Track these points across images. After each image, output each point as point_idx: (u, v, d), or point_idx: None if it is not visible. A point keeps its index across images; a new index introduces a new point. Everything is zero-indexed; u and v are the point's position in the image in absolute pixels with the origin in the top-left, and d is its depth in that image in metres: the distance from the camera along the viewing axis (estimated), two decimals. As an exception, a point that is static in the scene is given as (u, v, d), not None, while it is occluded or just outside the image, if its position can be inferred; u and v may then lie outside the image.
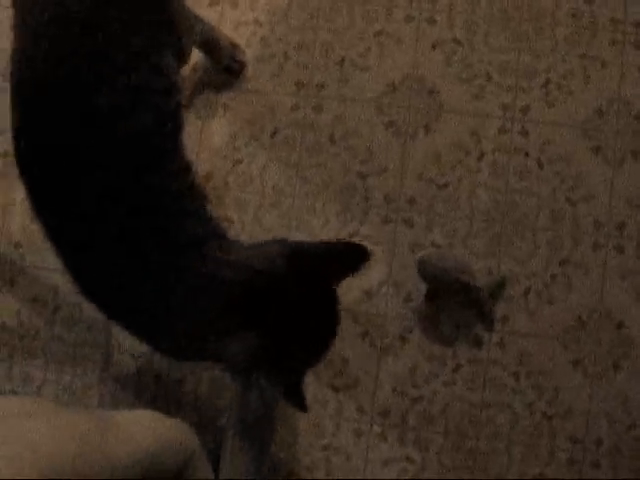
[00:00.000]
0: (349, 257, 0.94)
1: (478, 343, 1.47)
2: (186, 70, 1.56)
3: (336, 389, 1.47)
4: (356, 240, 1.49)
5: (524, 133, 1.51)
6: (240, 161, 1.54)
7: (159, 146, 0.96)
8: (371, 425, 1.46)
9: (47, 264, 1.56)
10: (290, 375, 1.00)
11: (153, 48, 0.98)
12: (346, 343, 1.48)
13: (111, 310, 1.03)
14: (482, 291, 1.42)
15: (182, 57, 1.13)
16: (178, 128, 1.02)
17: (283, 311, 0.95)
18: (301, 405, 1.02)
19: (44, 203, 0.97)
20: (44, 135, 0.92)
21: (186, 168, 1.02)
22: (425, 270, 1.42)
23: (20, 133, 0.94)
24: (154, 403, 1.50)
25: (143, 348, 1.51)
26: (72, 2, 0.91)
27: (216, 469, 1.32)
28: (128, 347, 1.52)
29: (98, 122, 0.90)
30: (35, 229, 1.57)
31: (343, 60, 1.55)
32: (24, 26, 0.93)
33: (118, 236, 0.93)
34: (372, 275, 1.49)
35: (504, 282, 1.46)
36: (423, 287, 1.46)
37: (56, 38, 0.90)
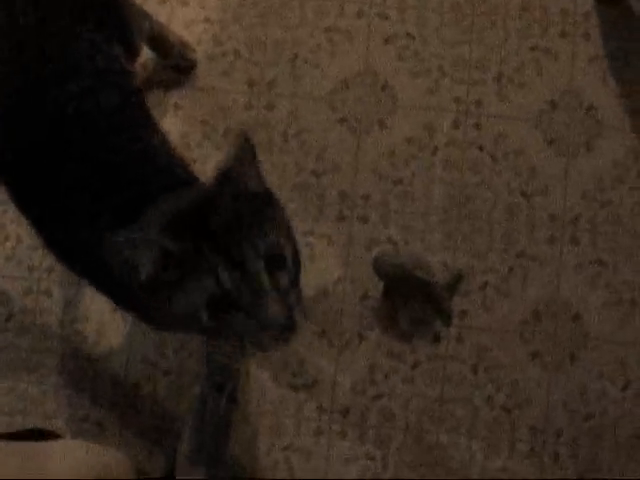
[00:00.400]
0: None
1: (436, 339, 1.47)
2: (135, 68, 1.53)
3: (295, 389, 1.46)
4: (311, 239, 1.48)
5: (478, 127, 1.51)
6: (194, 160, 1.52)
7: (129, 117, 1.02)
8: (331, 424, 1.46)
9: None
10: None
11: (105, 40, 1.04)
12: (303, 342, 1.47)
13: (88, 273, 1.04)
14: (439, 287, 1.42)
15: (132, 51, 1.17)
16: (143, 103, 1.07)
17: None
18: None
19: (24, 188, 1.01)
20: (23, 125, 0.97)
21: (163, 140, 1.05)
22: (381, 267, 1.41)
23: None
24: (112, 408, 1.48)
25: (99, 352, 1.49)
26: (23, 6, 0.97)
27: (173, 471, 1.31)
28: (84, 352, 1.50)
29: (71, 106, 0.96)
30: (-15, 235, 1.54)
31: (295, 57, 1.54)
32: None
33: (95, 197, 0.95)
34: (328, 273, 1.48)
35: (461, 277, 1.46)
36: (380, 284, 1.46)
37: (17, 43, 0.97)
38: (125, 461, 0.61)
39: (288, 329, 0.82)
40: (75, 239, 1.00)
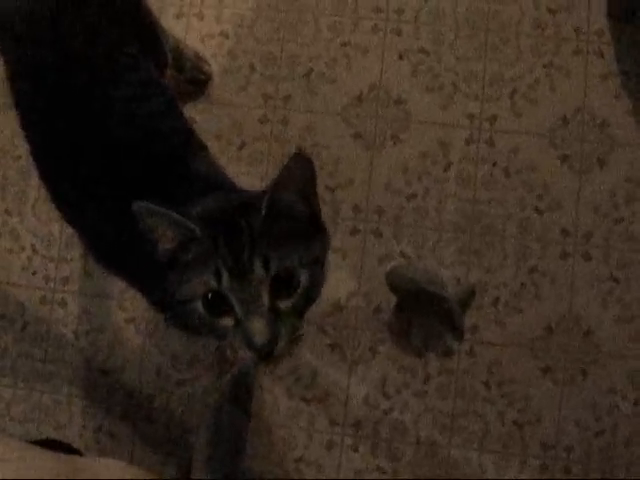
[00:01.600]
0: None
1: (448, 353, 1.47)
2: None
3: (307, 401, 1.47)
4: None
5: (491, 143, 1.51)
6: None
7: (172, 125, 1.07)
8: (343, 437, 1.46)
9: (15, 280, 1.54)
10: None
11: (143, 54, 1.10)
12: (316, 355, 1.48)
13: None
14: (451, 301, 1.43)
15: (163, 64, 1.26)
16: (181, 111, 1.13)
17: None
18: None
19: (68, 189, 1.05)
20: (67, 128, 1.01)
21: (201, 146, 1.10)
22: (394, 281, 1.42)
23: (40, 131, 1.04)
24: (124, 419, 1.49)
25: (113, 363, 1.50)
26: (69, 29, 1.02)
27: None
28: (98, 363, 1.51)
29: (118, 109, 1.01)
30: (1, 246, 1.55)
31: (310, 72, 1.55)
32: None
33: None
34: (341, 287, 1.49)
35: (473, 291, 1.47)
36: (393, 298, 1.47)
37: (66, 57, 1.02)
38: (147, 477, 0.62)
39: (263, 354, 0.82)
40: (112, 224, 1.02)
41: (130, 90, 1.04)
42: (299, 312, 0.85)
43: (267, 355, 0.81)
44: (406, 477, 1.45)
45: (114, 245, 1.05)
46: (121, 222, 0.93)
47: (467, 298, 1.46)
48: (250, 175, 1.52)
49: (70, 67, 1.01)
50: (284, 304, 0.82)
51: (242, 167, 1.53)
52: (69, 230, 1.54)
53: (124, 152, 1.01)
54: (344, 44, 1.55)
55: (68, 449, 1.18)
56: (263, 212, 0.83)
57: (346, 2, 1.57)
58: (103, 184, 1.01)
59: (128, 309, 1.51)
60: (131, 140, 1.01)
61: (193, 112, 1.55)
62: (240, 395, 1.32)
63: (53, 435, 1.51)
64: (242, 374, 1.32)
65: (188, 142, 1.09)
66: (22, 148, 1.55)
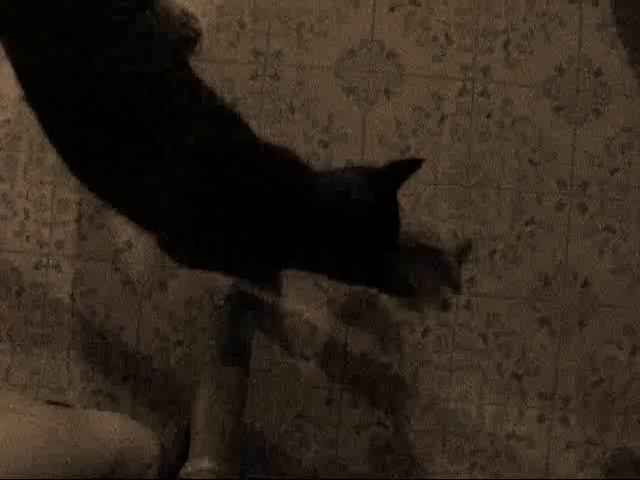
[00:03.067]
0: (409, 168, 1.11)
1: (446, 306, 1.47)
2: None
3: (307, 358, 1.47)
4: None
5: (485, 94, 1.50)
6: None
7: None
8: (342, 392, 1.47)
9: (8, 246, 1.53)
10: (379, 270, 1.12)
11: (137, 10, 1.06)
12: (314, 312, 1.47)
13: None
14: (448, 255, 1.42)
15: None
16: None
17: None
18: (407, 290, 1.13)
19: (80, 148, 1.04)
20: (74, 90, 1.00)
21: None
22: None
23: (46, 90, 1.03)
24: (123, 381, 1.49)
25: (110, 325, 1.50)
26: None
27: (188, 445, 1.32)
28: (95, 326, 1.50)
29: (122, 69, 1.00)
30: (-7, 210, 1.54)
31: (301, 26, 1.52)
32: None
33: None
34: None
35: (469, 244, 1.46)
36: (389, 253, 1.46)
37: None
38: (155, 438, 0.62)
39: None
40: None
41: (131, 45, 1.02)
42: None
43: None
44: (405, 431, 1.46)
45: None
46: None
47: (464, 251, 1.46)
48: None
49: (67, 32, 0.99)
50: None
51: (234, 125, 1.51)
52: (62, 193, 1.53)
53: (134, 109, 1.00)
54: (335, 2, 1.53)
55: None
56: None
57: (335, -46, 1.54)
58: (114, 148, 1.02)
59: (124, 271, 1.50)
60: (139, 97, 1.00)
61: (183, 71, 1.52)
62: (239, 352, 1.32)
63: (55, 400, 1.51)
64: (241, 331, 1.31)
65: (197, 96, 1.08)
66: (10, 112, 1.53)
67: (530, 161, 1.48)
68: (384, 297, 1.47)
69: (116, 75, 1.00)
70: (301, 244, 1.08)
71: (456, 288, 1.44)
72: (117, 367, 1.50)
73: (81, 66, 1.00)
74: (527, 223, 1.47)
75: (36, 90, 1.05)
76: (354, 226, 1.09)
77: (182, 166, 1.01)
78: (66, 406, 1.04)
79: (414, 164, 1.10)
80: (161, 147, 1.01)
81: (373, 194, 1.10)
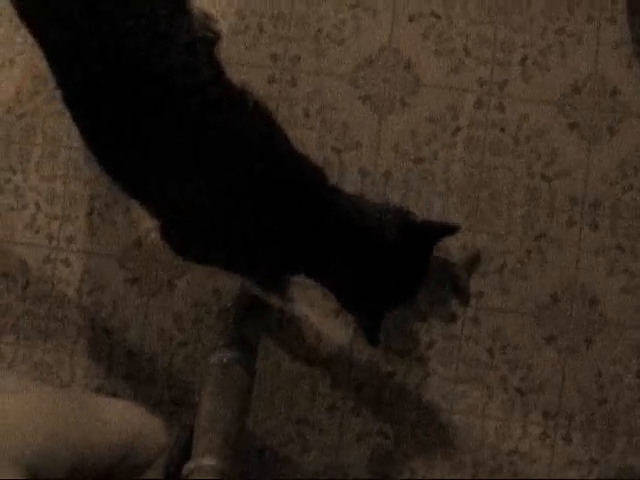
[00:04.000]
0: (445, 232, 1.19)
1: (453, 319, 1.47)
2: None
3: (311, 363, 1.47)
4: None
5: (500, 108, 1.50)
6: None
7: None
8: (345, 400, 1.46)
9: (18, 238, 1.53)
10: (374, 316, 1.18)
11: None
12: (320, 318, 1.47)
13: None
14: (457, 266, 1.42)
15: None
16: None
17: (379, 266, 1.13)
18: (374, 340, 1.19)
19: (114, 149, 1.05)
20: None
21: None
22: None
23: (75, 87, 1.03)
24: (126, 379, 1.49)
25: (115, 322, 1.50)
26: None
27: (189, 442, 1.31)
28: (100, 322, 1.50)
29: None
30: (4, 204, 1.54)
31: (319, 32, 1.53)
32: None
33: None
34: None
35: (478, 257, 1.46)
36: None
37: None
38: (166, 431, 0.61)
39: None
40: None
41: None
42: None
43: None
44: (408, 441, 1.45)
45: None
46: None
47: (473, 263, 1.46)
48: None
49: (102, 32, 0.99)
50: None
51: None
52: (73, 188, 1.53)
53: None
54: (354, 5, 1.53)
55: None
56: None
57: (357, -37, 1.55)
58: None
59: (131, 269, 1.50)
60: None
61: (200, 72, 1.53)
62: (245, 354, 1.31)
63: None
64: (248, 333, 1.31)
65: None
66: (26, 106, 1.54)
67: (543, 177, 1.48)
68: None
69: (168, 86, 1.01)
70: (318, 253, 1.10)
71: (465, 300, 1.43)
72: (121, 365, 1.50)
73: (125, 72, 1.00)
74: (537, 239, 1.47)
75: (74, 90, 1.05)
76: (374, 252, 1.13)
77: (215, 162, 1.03)
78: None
79: (449, 230, 1.16)
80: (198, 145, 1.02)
81: (403, 236, 1.13)
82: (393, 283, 1.16)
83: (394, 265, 1.14)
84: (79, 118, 1.05)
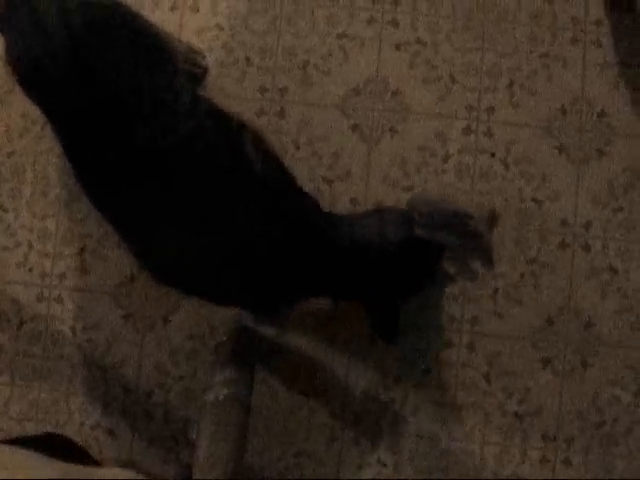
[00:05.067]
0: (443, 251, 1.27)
1: (472, 278, 1.46)
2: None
3: (307, 395, 1.46)
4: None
5: (489, 134, 1.51)
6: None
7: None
8: (343, 430, 1.46)
9: (11, 277, 1.53)
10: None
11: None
12: (315, 348, 1.47)
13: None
14: (476, 219, 1.42)
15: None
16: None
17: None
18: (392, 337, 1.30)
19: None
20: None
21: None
22: (417, 205, 1.42)
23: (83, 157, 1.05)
24: (123, 415, 1.48)
25: (111, 359, 1.49)
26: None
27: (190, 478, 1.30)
28: (96, 360, 1.50)
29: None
30: (-3, 242, 1.54)
31: (306, 64, 1.54)
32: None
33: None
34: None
35: (495, 213, 1.45)
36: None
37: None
38: None
39: None
40: None
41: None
42: None
43: None
44: (407, 470, 1.45)
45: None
46: None
47: (491, 220, 1.44)
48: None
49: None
50: None
51: (239, 161, 1.51)
52: (65, 225, 1.53)
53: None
54: (340, 36, 1.54)
55: (69, 443, 1.17)
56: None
57: (342, -7, 1.56)
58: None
59: (125, 305, 1.50)
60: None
61: (189, 106, 1.53)
62: (240, 390, 1.31)
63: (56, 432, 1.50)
64: (243, 367, 1.31)
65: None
66: (16, 144, 1.54)
67: (533, 200, 1.49)
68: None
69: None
70: (325, 274, 1.16)
71: (487, 258, 1.43)
72: (117, 401, 1.49)
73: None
74: (530, 262, 1.47)
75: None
76: (377, 263, 1.18)
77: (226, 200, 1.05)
78: (71, 445, 1.03)
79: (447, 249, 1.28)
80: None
81: (403, 250, 1.20)
82: (401, 283, 1.25)
83: (398, 270, 1.22)
84: (80, 172, 1.07)
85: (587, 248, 1.48)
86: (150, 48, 1.08)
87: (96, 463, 1.13)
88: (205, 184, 1.04)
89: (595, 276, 1.47)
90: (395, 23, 1.54)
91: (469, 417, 1.45)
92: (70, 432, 1.48)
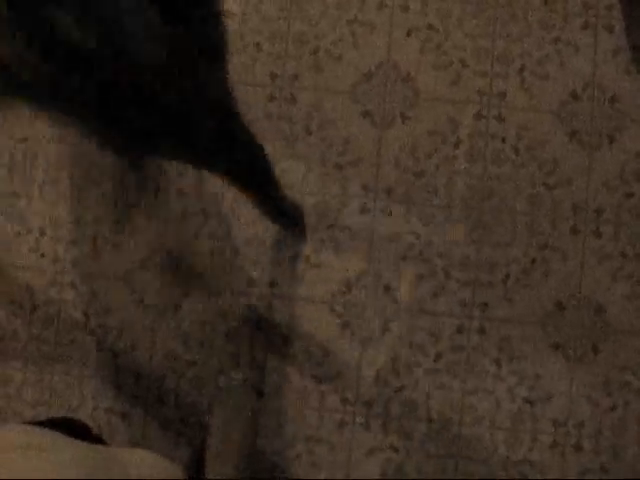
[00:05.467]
0: None
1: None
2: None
3: (319, 380, 1.47)
4: (335, 232, 1.49)
5: (500, 119, 1.50)
6: (216, 154, 1.53)
7: None
8: (354, 415, 1.46)
9: (23, 263, 1.54)
10: None
11: None
12: (327, 335, 1.47)
13: None
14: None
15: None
16: None
17: None
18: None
19: None
20: None
21: None
22: None
23: None
24: (135, 400, 1.49)
25: (123, 345, 1.50)
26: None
27: (200, 466, 1.31)
28: (108, 345, 1.51)
29: None
30: (8, 229, 1.55)
31: (317, 50, 1.54)
32: None
33: None
34: (351, 266, 1.48)
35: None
36: (403, 275, 1.46)
37: None
38: (182, 475, 0.62)
39: None
40: None
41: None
42: None
43: None
44: (418, 454, 1.45)
45: None
46: None
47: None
48: (258, 155, 1.51)
49: None
50: None
51: (250, 147, 1.52)
52: (77, 212, 1.54)
53: None
54: (351, 21, 1.54)
55: (83, 427, 1.18)
56: None
57: (352, -21, 1.56)
58: None
59: (138, 291, 1.51)
60: None
61: (200, 92, 1.54)
62: (253, 376, 1.32)
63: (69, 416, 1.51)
64: (255, 355, 1.31)
65: None
66: (27, 130, 1.55)
67: (545, 186, 1.49)
68: (397, 320, 1.47)
69: None
70: None
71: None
72: (129, 386, 1.50)
73: None
74: (541, 248, 1.47)
75: None
76: None
77: None
78: (84, 429, 1.04)
79: None
80: None
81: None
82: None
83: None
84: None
85: (598, 234, 1.47)
86: None
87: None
88: None
89: (606, 262, 1.47)
90: (406, 8, 1.54)
91: (480, 402, 1.45)
92: (83, 416, 1.50)
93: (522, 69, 1.51)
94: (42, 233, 1.54)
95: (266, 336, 1.45)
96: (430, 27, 1.53)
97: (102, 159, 1.52)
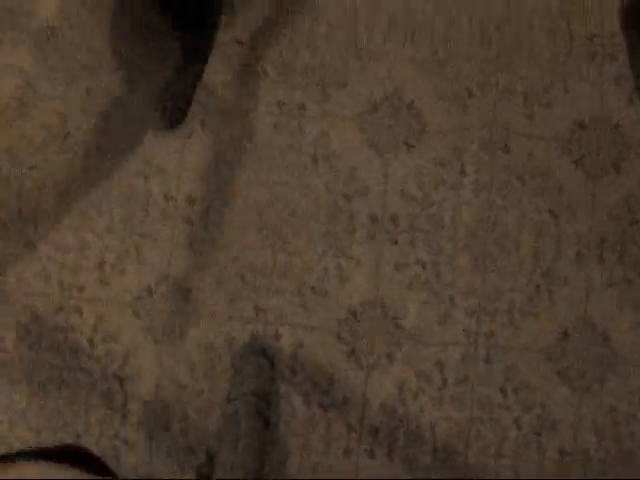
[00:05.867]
0: None
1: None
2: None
3: (325, 408, 1.47)
4: (341, 261, 1.49)
5: (506, 149, 1.51)
6: (225, 181, 1.54)
7: None
8: (360, 443, 1.46)
9: (31, 289, 1.54)
10: None
11: None
12: (333, 362, 1.47)
13: None
14: None
15: None
16: None
17: None
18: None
19: None
20: None
21: None
22: None
23: None
24: (141, 427, 1.49)
25: (129, 371, 1.50)
26: None
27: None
28: (114, 371, 1.51)
29: None
30: (12, 252, 1.55)
31: (323, 79, 1.55)
32: None
33: None
34: (357, 294, 1.49)
35: None
36: (410, 306, 1.47)
37: None
38: None
39: None
40: None
41: None
42: None
43: None
44: (423, 484, 1.45)
45: None
46: None
47: None
48: (263, 183, 1.52)
49: None
50: None
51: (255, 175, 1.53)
52: (85, 237, 1.55)
53: None
54: (358, 52, 1.55)
55: (87, 455, 1.18)
56: None
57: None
58: None
59: (144, 317, 1.51)
60: None
61: (205, 117, 1.55)
62: (259, 404, 1.32)
63: (74, 444, 1.51)
64: (261, 383, 1.32)
65: None
66: (35, 159, 1.56)
67: (550, 213, 1.49)
68: (403, 348, 1.47)
69: None
70: None
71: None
72: (135, 413, 1.50)
73: None
74: (545, 275, 1.48)
75: None
76: None
77: None
78: (89, 457, 1.04)
79: None
80: None
81: None
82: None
83: None
84: None
85: (602, 261, 1.48)
86: None
87: (114, 476, 1.14)
88: None
89: (611, 289, 1.47)
90: (412, 38, 1.56)
91: (485, 431, 1.45)
92: (88, 443, 1.50)
93: (526, 97, 1.53)
94: (48, 258, 1.55)
95: (272, 364, 1.45)
96: (436, 59, 1.54)
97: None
